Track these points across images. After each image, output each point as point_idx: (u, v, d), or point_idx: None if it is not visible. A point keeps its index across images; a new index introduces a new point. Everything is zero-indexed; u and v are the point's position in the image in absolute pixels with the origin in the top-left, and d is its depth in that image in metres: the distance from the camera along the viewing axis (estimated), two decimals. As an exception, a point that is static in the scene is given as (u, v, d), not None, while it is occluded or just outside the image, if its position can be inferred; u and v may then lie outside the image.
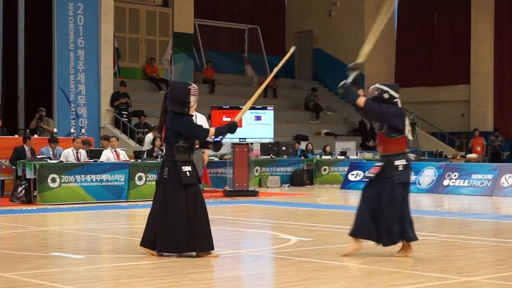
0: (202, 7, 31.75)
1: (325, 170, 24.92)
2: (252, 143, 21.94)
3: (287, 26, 36.45)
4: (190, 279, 7.84)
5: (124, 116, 25.06)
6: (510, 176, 20.03)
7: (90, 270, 8.57)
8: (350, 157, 25.82)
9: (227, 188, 20.25)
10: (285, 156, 24.69)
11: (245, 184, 19.99)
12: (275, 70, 10.19)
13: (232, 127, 9.54)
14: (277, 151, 24.55)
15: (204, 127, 9.58)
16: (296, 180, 24.14)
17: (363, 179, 9.30)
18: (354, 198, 20.42)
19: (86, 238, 11.71)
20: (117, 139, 20.00)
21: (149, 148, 20.97)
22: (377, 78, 33.70)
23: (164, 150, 9.81)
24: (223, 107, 20.47)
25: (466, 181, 20.94)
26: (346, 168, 23.96)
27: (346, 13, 33.90)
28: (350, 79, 9.77)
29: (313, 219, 14.27)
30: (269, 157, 24.20)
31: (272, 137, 20.74)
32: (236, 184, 19.88)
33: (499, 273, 8.35)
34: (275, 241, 11.28)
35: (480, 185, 20.62)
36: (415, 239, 9.29)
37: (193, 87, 9.40)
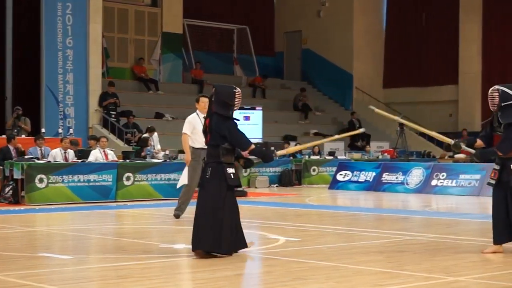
0: (191, 7, 31.73)
1: (314, 170, 24.93)
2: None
3: (276, 27, 36.46)
4: (178, 280, 7.83)
5: (113, 116, 25.02)
6: (498, 176, 20.06)
7: (79, 271, 8.55)
8: (339, 157, 25.85)
9: (215, 188, 20.18)
10: (274, 156, 24.66)
11: (233, 185, 19.93)
12: (336, 137, 10.54)
13: (267, 156, 9.72)
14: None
15: None
16: (285, 180, 24.15)
17: (487, 185, 9.58)
18: (342, 198, 20.49)
19: (74, 238, 11.69)
20: (107, 139, 19.99)
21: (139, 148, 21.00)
22: (365, 78, 33.88)
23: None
24: (212, 107, 20.41)
25: (454, 181, 21.00)
26: (334, 169, 23.99)
27: (335, 13, 33.93)
28: (468, 149, 9.86)
29: (301, 219, 14.29)
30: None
31: (261, 137, 20.78)
32: (225, 184, 19.82)
33: (486, 273, 8.37)
34: (264, 241, 11.28)
35: (468, 185, 20.68)
36: None
37: (238, 90, 9.61)
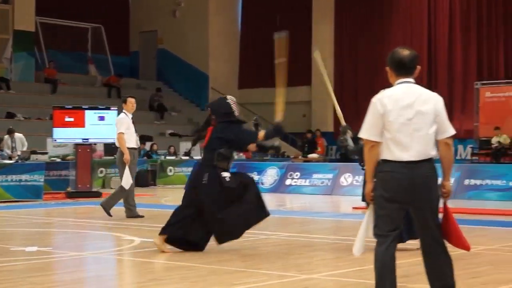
0: (44, 4, 31.06)
1: (170, 170, 24.88)
2: (95, 144, 21.65)
3: (131, 26, 36.19)
4: (30, 283, 7.66)
5: (-39, 116, 24.24)
6: (349, 175, 20.61)
7: None
8: (194, 157, 25.88)
9: (69, 189, 19.90)
10: (129, 157, 24.46)
11: (88, 185, 19.69)
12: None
13: (279, 131, 10.04)
14: (121, 151, 24.28)
15: None
16: (141, 180, 23.97)
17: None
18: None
19: None
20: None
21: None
22: (221, 78, 34.07)
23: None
24: (66, 107, 20.10)
25: (308, 180, 21.41)
26: (190, 169, 23.99)
27: (190, 13, 33.98)
28: (350, 142, 10.12)
29: (157, 220, 14.21)
30: (113, 157, 23.90)
31: (115, 137, 20.52)
32: (79, 186, 19.55)
33: (338, 269, 8.58)
34: (119, 243, 11.18)
35: (320, 184, 21.13)
36: None
37: (230, 98, 9.98)
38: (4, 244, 11.04)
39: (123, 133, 13.89)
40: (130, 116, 14.20)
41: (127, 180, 13.94)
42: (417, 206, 5.88)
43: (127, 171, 13.89)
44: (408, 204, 5.87)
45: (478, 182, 18.84)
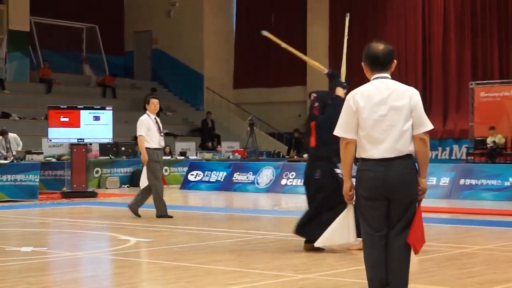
0: (38, 4, 31.05)
1: (166, 170, 24.87)
2: (90, 144, 21.64)
3: (126, 26, 36.18)
4: (26, 283, 7.65)
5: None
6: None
7: None
8: (190, 157, 25.89)
9: (64, 189, 19.88)
10: (124, 157, 24.47)
11: (83, 185, 19.67)
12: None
13: (332, 75, 10.84)
14: (116, 151, 24.30)
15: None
16: (136, 180, 23.92)
17: None
18: (193, 198, 20.56)
19: None
20: None
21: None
22: (216, 78, 34.09)
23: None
24: (61, 107, 20.09)
25: (303, 180, 21.36)
26: (186, 169, 24.01)
27: (185, 13, 33.98)
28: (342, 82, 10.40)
29: (153, 220, 14.23)
30: (108, 157, 23.92)
31: (111, 137, 20.54)
32: (74, 185, 19.53)
33: (334, 269, 8.58)
34: (114, 243, 11.17)
35: (316, 184, 21.09)
36: None
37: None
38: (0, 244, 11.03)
39: (142, 136, 13.98)
40: (153, 116, 14.25)
41: (143, 181, 14.08)
42: (396, 204, 5.72)
43: (144, 171, 14.03)
44: (387, 202, 5.72)
45: (473, 182, 18.84)
